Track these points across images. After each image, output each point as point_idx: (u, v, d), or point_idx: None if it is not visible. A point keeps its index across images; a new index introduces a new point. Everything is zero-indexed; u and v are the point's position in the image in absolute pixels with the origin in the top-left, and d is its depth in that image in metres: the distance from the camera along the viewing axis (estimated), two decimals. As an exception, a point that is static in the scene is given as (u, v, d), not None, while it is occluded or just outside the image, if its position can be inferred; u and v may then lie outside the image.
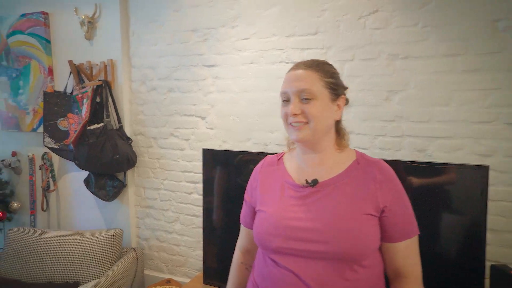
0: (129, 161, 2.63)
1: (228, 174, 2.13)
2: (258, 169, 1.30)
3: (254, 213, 1.26)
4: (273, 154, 2.04)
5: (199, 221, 2.62)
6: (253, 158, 2.02)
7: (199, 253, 2.67)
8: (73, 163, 2.78)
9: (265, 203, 1.18)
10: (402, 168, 1.73)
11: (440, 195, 1.73)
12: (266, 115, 2.34)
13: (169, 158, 2.67)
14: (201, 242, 2.62)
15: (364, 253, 1.03)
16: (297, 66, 1.13)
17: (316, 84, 1.07)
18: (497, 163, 1.87)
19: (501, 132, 1.86)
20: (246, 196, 1.32)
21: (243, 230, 1.38)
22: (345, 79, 2.09)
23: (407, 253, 1.11)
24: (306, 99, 1.06)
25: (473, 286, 1.63)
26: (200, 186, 2.58)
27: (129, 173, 2.77)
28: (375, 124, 2.09)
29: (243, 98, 2.38)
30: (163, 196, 2.74)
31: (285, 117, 1.11)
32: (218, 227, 2.18)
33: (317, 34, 2.13)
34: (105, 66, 2.63)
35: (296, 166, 1.19)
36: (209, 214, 2.19)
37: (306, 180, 1.13)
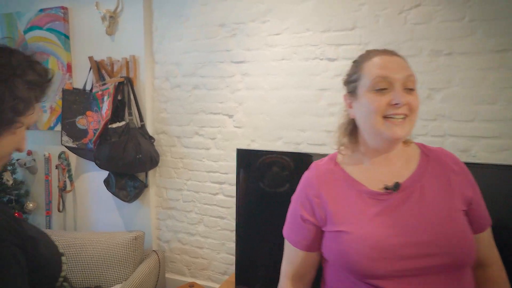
0: (152, 161, 2.54)
1: (263, 176, 2.04)
2: (312, 180, 1.07)
3: (319, 234, 1.05)
4: (306, 154, 1.92)
5: (225, 223, 2.54)
6: (292, 159, 1.93)
7: (224, 256, 2.58)
8: (90, 162, 2.70)
9: (344, 221, 0.98)
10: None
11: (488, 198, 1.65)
12: (298, 114, 2.25)
13: (193, 157, 2.58)
14: (226, 245, 2.55)
15: (473, 253, 0.93)
16: (385, 52, 1.00)
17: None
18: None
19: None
20: (303, 213, 1.06)
21: (296, 254, 1.10)
22: None
23: (490, 241, 1.06)
24: (410, 89, 0.94)
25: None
26: (226, 187, 2.49)
27: (150, 173, 2.68)
28: (416, 123, 1.99)
29: (273, 95, 2.29)
30: (186, 197, 2.65)
31: (381, 109, 0.93)
32: (251, 230, 2.09)
33: (354, 29, 2.04)
34: (127, 62, 2.54)
35: (360, 170, 1.04)
36: (242, 216, 2.09)
37: (386, 185, 0.98)
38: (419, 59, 1.94)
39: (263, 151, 2.05)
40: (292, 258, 1.12)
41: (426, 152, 1.05)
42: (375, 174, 1.02)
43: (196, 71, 2.48)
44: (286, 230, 1.14)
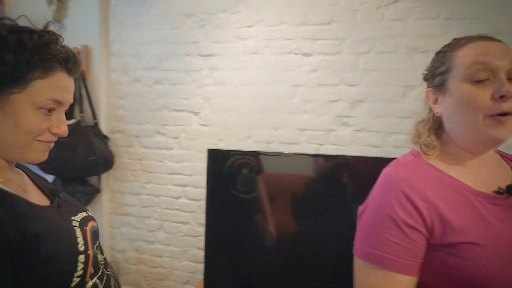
0: (106, 162, 2.29)
1: (237, 178, 1.90)
2: (410, 178, 0.82)
3: (424, 249, 0.80)
4: (279, 154, 1.82)
5: (188, 228, 2.36)
6: (269, 160, 1.83)
7: (186, 264, 2.40)
8: (33, 165, 2.38)
9: (468, 230, 0.77)
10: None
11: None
12: (270, 111, 2.15)
13: (154, 158, 2.37)
14: (189, 252, 2.37)
15: None
16: (481, 37, 0.84)
17: None
18: None
19: None
20: (407, 219, 0.79)
21: (393, 284, 0.78)
22: (360, 73, 2.00)
23: None
24: None
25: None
26: (190, 189, 2.32)
27: (103, 176, 2.42)
28: (390, 121, 1.99)
29: (244, 91, 2.17)
30: (145, 201, 2.42)
31: (483, 104, 0.77)
32: (223, 236, 1.94)
33: (331, 24, 1.99)
34: (78, 53, 2.27)
35: (458, 171, 0.86)
36: (212, 220, 1.94)
37: (499, 188, 0.82)
38: (396, 56, 1.93)
39: (237, 151, 1.92)
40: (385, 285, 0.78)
41: (506, 156, 0.95)
42: (477, 177, 0.85)
43: (159, 64, 2.28)
44: (367, 249, 0.81)
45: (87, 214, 0.92)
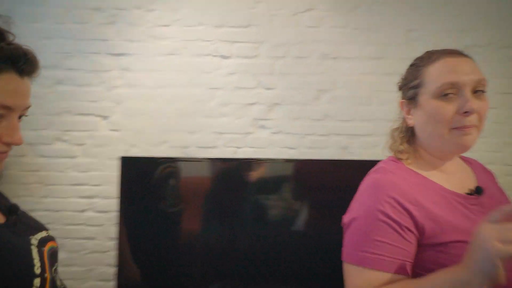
0: (-8, 175, 1.96)
1: (154, 187, 1.79)
2: (397, 182, 0.87)
3: (415, 249, 0.84)
4: (196, 159, 1.79)
5: (95, 244, 2.13)
6: (188, 167, 1.76)
7: (92, 284, 2.15)
8: None
9: (454, 229, 0.82)
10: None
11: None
12: (186, 114, 2.08)
13: (53, 169, 2.09)
14: (96, 270, 2.15)
15: None
16: (451, 53, 0.91)
17: None
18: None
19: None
20: (401, 220, 0.82)
21: (393, 280, 0.81)
22: (276, 77, 2.07)
23: None
24: (480, 91, 0.87)
25: None
26: (98, 201, 2.11)
27: (-13, 192, 2.05)
28: (304, 123, 2.09)
29: (159, 94, 2.06)
30: (42, 219, 2.09)
31: (450, 118, 0.85)
32: (138, 249, 1.80)
33: (249, 27, 2.02)
34: None
35: (433, 175, 0.93)
36: (127, 235, 1.79)
37: (470, 189, 0.92)
38: (309, 61, 2.05)
39: (154, 158, 1.82)
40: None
41: (467, 159, 1.04)
42: (450, 180, 0.93)
43: (61, 63, 2.03)
44: (361, 254, 0.83)
45: (47, 234, 0.84)
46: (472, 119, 0.85)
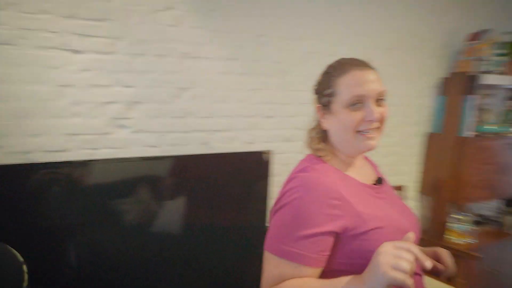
0: None
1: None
2: (325, 180, 0.98)
3: (333, 243, 0.95)
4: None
5: None
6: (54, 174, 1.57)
7: None
8: None
9: (373, 218, 0.97)
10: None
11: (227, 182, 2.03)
12: (27, 115, 1.79)
13: None
14: None
15: None
16: (359, 65, 1.04)
17: None
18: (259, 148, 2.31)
19: (261, 123, 2.34)
20: (325, 224, 0.92)
21: (299, 273, 0.92)
22: (135, 75, 2.01)
23: None
24: (382, 99, 1.03)
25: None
26: None
27: None
28: (165, 121, 2.08)
29: (-12, 92, 1.72)
30: None
31: (357, 124, 1.00)
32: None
33: (104, 21, 1.85)
34: None
35: (348, 170, 1.10)
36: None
37: (375, 181, 1.13)
38: (170, 60, 2.02)
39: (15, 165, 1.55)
40: (289, 277, 0.92)
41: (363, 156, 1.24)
42: (361, 174, 1.11)
43: None
44: (282, 247, 0.93)
45: None
46: (375, 124, 1.01)
